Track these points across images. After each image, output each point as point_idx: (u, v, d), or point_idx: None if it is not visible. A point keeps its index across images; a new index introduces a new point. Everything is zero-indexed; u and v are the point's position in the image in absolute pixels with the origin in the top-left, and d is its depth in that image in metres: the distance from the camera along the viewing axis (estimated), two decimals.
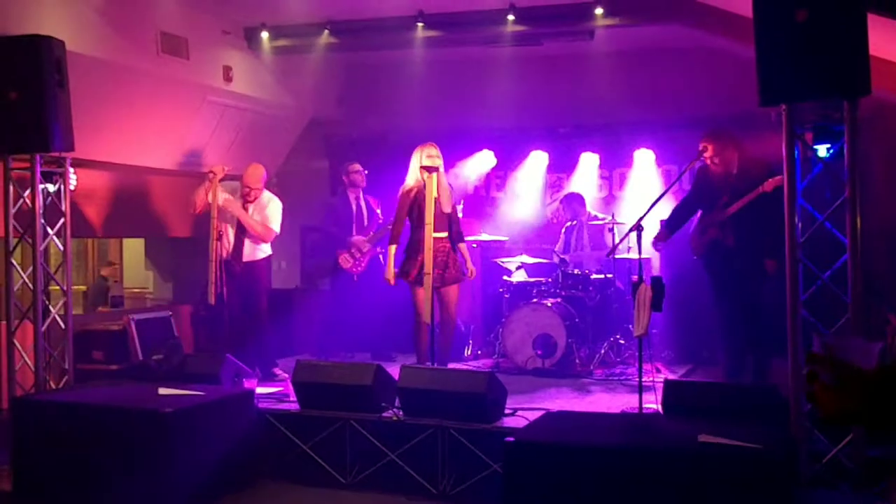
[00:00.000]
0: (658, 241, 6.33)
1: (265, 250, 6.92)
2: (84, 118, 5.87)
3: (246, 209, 6.76)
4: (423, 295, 5.83)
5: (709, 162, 5.83)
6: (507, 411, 5.17)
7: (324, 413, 5.27)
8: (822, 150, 4.13)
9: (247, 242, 6.81)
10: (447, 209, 6.07)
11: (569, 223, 7.91)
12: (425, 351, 5.91)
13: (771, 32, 3.99)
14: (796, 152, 4.10)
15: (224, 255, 6.70)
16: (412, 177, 6.11)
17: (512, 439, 4.00)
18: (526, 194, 8.59)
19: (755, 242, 5.79)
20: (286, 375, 6.81)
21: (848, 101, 3.97)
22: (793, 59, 3.92)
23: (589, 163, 8.39)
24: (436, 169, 5.83)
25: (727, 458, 3.66)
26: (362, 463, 5.13)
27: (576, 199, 7.79)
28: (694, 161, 5.66)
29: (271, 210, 6.82)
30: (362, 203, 7.71)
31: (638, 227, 5.24)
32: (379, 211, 7.76)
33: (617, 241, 6.98)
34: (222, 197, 6.70)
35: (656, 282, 5.08)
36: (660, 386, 5.14)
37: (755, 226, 5.78)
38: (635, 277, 5.22)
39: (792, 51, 3.92)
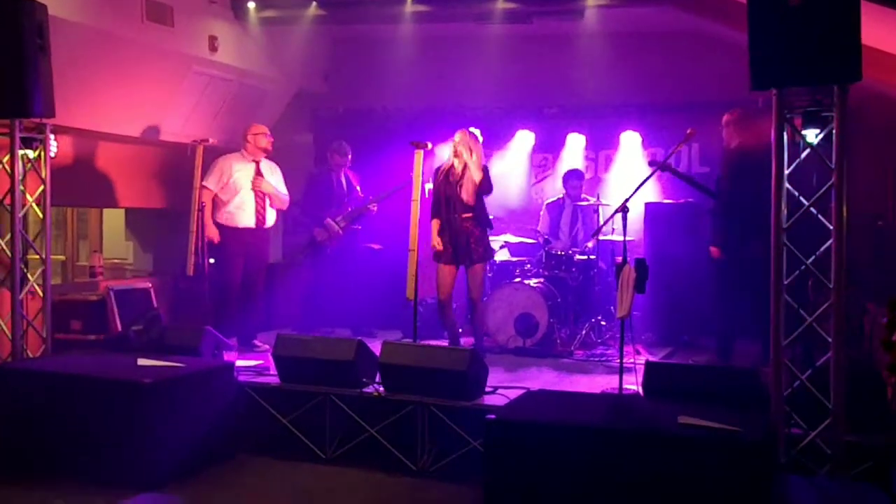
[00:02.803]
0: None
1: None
2: (66, 85, 5.77)
3: (258, 165, 6.96)
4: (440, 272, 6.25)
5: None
6: (487, 389, 5.17)
7: (304, 387, 5.25)
8: (811, 136, 4.13)
9: (269, 208, 7.03)
10: (468, 196, 6.22)
11: (550, 200, 7.90)
12: (448, 327, 6.30)
13: (764, 16, 3.97)
14: (784, 137, 4.10)
15: (248, 223, 6.87)
16: (446, 154, 6.50)
17: (493, 417, 4.00)
18: (511, 174, 8.56)
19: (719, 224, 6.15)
20: (267, 346, 6.85)
21: (838, 87, 3.96)
22: (785, 43, 3.91)
23: (575, 144, 8.37)
24: (423, 146, 5.85)
25: (707, 439, 3.67)
26: (342, 438, 5.13)
27: (577, 176, 7.77)
28: (681, 143, 5.67)
29: (280, 176, 7.18)
30: (343, 179, 7.65)
31: (623, 209, 5.24)
32: (359, 188, 7.70)
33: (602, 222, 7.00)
34: (264, 182, 6.96)
35: (640, 264, 5.08)
36: (640, 368, 5.16)
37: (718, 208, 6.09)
38: (619, 259, 5.22)
39: (784, 35, 3.90)
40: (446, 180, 6.30)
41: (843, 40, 3.85)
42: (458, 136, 6.28)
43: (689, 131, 5.54)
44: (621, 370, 5.13)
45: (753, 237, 5.87)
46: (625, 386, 5.16)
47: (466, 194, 6.22)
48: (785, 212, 4.12)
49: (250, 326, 6.94)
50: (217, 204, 6.89)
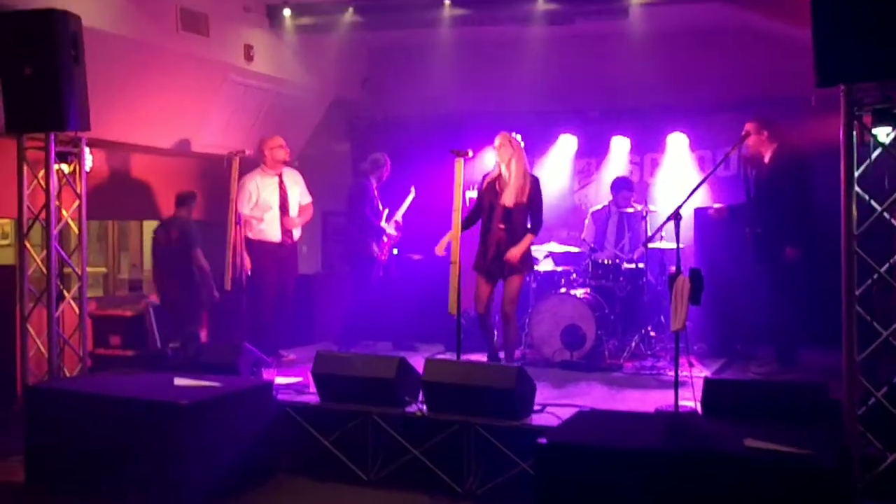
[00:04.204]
0: (715, 211, 6.48)
1: None
2: (100, 97, 5.67)
3: (281, 178, 6.98)
4: (477, 282, 6.06)
5: (746, 143, 5.91)
6: (536, 407, 4.95)
7: (345, 407, 5.08)
8: (882, 135, 3.84)
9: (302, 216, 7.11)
10: (508, 202, 5.95)
11: (596, 207, 7.64)
12: (487, 341, 6.11)
13: (830, 5, 3.69)
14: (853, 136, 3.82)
15: (277, 238, 6.89)
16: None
17: (545, 441, 3.77)
18: (554, 180, 8.32)
19: (776, 229, 5.85)
20: (293, 356, 6.76)
21: None
22: (854, 34, 3.62)
23: (620, 147, 8.10)
24: (464, 154, 5.60)
25: (777, 464, 3.41)
26: (384, 459, 4.94)
27: (626, 185, 7.46)
28: (736, 145, 5.42)
29: (303, 185, 7.18)
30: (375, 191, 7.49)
31: (676, 216, 4.97)
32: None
33: (652, 228, 6.76)
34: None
35: (695, 274, 4.81)
36: (694, 381, 4.91)
37: (776, 212, 5.84)
38: (672, 268, 4.96)
39: (853, 26, 3.62)
40: (491, 188, 6.06)
41: None
42: (498, 140, 6.04)
43: (743, 133, 5.29)
44: (676, 386, 4.86)
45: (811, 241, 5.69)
46: (681, 402, 4.89)
47: (507, 201, 5.96)
48: (855, 216, 3.83)
49: (278, 338, 6.93)
50: (248, 222, 6.84)
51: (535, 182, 6.08)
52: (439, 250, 6.11)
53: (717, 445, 3.68)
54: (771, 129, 5.96)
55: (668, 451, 3.63)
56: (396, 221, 7.43)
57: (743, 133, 5.34)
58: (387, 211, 7.45)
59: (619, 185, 7.48)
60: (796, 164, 5.83)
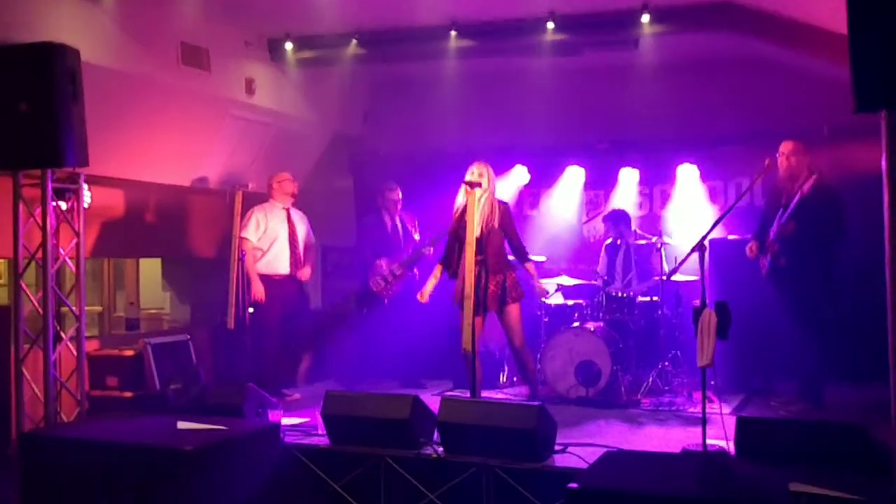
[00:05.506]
0: (753, 254, 6.19)
1: None
2: (99, 132, 5.50)
3: (289, 212, 6.88)
4: (463, 320, 5.41)
5: (782, 160, 5.82)
6: (557, 447, 4.72)
7: (356, 449, 4.84)
8: None
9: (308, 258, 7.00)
10: (477, 231, 5.55)
11: (609, 241, 7.48)
12: (470, 380, 5.44)
13: (869, 28, 3.54)
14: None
15: (284, 271, 6.75)
16: (459, 195, 5.82)
17: (575, 486, 3.55)
18: (562, 212, 8.17)
19: (809, 262, 5.69)
20: (298, 395, 6.55)
21: None
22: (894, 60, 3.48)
23: (628, 179, 7.97)
24: (477, 184, 5.42)
25: None
26: None
27: (621, 218, 7.32)
28: (762, 174, 5.26)
29: (308, 225, 7.05)
30: (398, 222, 7.29)
31: (701, 247, 4.80)
32: (417, 235, 7.32)
33: (667, 260, 6.61)
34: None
35: (721, 307, 4.63)
36: (716, 418, 4.71)
37: (807, 244, 5.69)
38: (697, 302, 4.77)
39: (893, 49, 3.48)
40: (461, 221, 5.68)
41: None
42: (477, 169, 5.66)
43: (767, 162, 5.16)
44: (704, 424, 4.66)
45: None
46: (708, 440, 4.68)
47: (478, 230, 5.52)
48: None
49: (282, 376, 6.81)
50: (254, 254, 6.68)
51: (505, 207, 5.81)
52: (423, 298, 5.84)
53: (761, 490, 3.47)
54: (805, 153, 5.85)
55: (710, 496, 3.42)
56: (425, 253, 7.11)
57: (766, 161, 5.16)
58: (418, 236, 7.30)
59: (614, 217, 7.35)
60: (838, 196, 5.71)
